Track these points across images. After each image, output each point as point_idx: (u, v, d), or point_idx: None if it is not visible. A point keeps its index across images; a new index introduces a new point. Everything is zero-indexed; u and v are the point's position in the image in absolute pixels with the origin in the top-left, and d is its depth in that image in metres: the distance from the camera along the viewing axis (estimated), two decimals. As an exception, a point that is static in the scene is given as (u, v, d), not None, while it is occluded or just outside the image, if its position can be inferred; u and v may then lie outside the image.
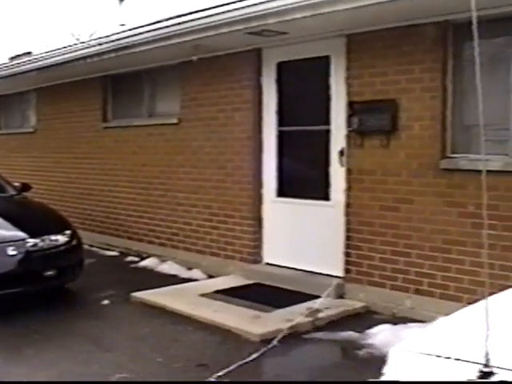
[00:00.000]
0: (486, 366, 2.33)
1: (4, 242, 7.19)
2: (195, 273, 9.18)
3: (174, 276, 9.15)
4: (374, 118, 7.10)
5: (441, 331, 2.87)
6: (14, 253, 7.16)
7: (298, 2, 6.52)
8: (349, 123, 7.39)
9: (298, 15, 6.65)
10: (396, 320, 6.73)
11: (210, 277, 8.98)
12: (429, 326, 3.14)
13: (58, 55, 10.68)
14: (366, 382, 5.12)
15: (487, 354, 2.34)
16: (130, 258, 10.46)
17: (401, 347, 2.61)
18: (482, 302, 2.61)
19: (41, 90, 13.47)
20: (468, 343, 2.53)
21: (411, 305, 6.92)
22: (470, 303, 5.35)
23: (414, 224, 6.89)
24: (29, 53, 13.59)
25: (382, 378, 2.65)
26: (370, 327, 6.43)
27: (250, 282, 8.33)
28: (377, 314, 7.11)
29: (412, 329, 6.20)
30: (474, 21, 2.54)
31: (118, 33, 9.37)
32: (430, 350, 2.50)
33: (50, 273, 7.43)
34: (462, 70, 6.63)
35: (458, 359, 2.38)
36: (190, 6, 8.03)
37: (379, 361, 5.69)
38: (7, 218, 7.79)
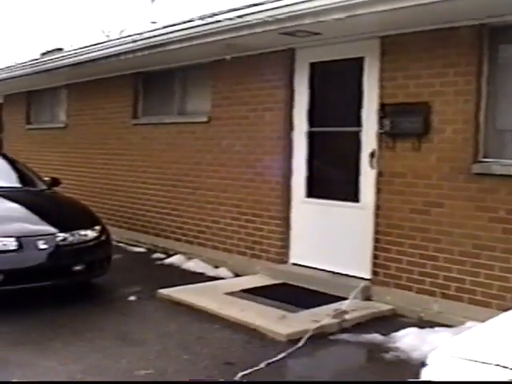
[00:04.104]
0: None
1: (34, 236, 7.24)
2: (221, 271, 9.19)
3: (201, 274, 9.17)
4: (406, 121, 7.06)
5: (478, 337, 2.85)
6: (44, 247, 7.21)
7: (333, 3, 6.51)
8: (380, 125, 7.36)
9: (334, 16, 6.63)
10: (423, 324, 6.68)
11: (237, 275, 8.99)
12: (466, 331, 3.12)
13: (92, 52, 10.75)
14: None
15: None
16: (156, 255, 10.49)
17: (440, 351, 2.59)
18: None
19: (72, 86, 13.57)
20: (506, 349, 2.51)
21: (438, 309, 6.87)
22: (499, 309, 5.31)
23: (444, 228, 6.84)
24: (60, 49, 13.73)
25: None
26: (396, 330, 6.40)
27: (277, 281, 8.32)
28: (403, 317, 7.08)
29: (439, 333, 6.19)
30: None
31: (151, 30, 9.41)
32: (469, 355, 2.49)
33: (78, 267, 7.48)
34: (497, 73, 6.58)
35: (497, 365, 2.36)
36: (218, 5, 8.05)
37: (406, 364, 5.72)
38: (38, 213, 7.86)
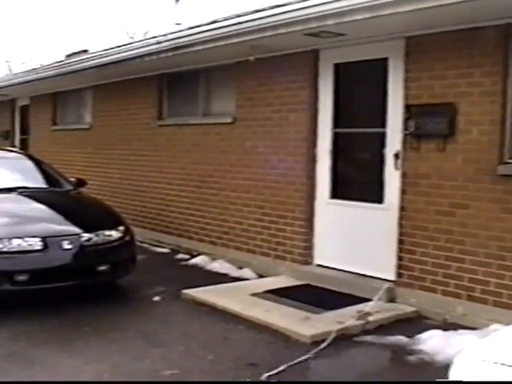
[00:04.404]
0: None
1: (59, 236, 7.30)
2: (245, 272, 9.19)
3: (224, 275, 9.19)
4: (431, 122, 7.02)
5: (505, 339, 2.82)
6: (68, 247, 7.26)
7: (358, 4, 6.49)
8: (405, 126, 7.32)
9: (358, 17, 6.61)
10: (447, 326, 6.64)
11: (260, 276, 8.99)
12: (492, 333, 3.09)
13: (116, 53, 10.81)
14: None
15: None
16: (180, 256, 10.52)
17: (466, 354, 2.58)
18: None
19: (96, 88, 13.65)
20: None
21: (463, 311, 6.82)
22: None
23: (469, 230, 6.79)
24: (85, 51, 13.85)
25: None
26: (420, 332, 6.36)
27: (301, 282, 8.31)
28: (428, 319, 7.04)
29: (463, 336, 6.12)
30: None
31: (175, 32, 9.44)
32: (496, 358, 2.47)
33: (103, 268, 7.52)
34: (524, 74, 6.53)
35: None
36: (243, 7, 8.05)
37: (430, 367, 5.68)
38: (63, 213, 7.92)
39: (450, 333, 6.32)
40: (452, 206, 6.94)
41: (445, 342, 6.00)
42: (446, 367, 5.04)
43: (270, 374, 5.35)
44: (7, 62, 22.63)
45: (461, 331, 6.37)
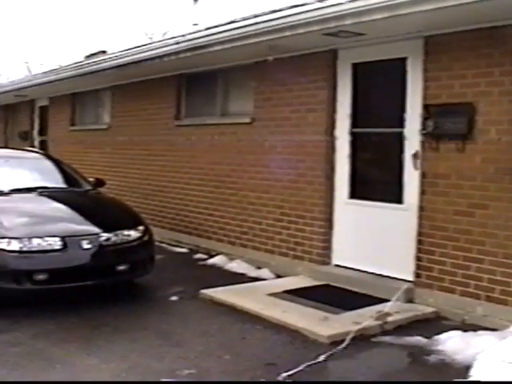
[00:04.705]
0: None
1: (79, 236, 7.34)
2: (263, 272, 9.19)
3: (243, 274, 9.19)
4: (450, 122, 6.99)
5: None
6: (88, 246, 7.29)
7: (376, 3, 6.47)
8: (424, 126, 7.29)
9: (376, 16, 6.59)
10: (466, 327, 6.60)
11: (278, 276, 8.98)
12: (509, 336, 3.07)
13: (135, 54, 10.85)
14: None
15: None
16: (198, 256, 10.54)
17: (487, 355, 2.57)
18: None
19: (115, 88, 13.71)
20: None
21: (483, 312, 6.78)
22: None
23: (489, 230, 6.75)
24: (104, 51, 13.90)
25: None
26: (439, 333, 6.33)
27: (319, 283, 8.30)
28: (446, 319, 7.00)
29: (483, 337, 6.09)
30: None
31: (193, 32, 9.47)
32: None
33: (122, 267, 7.56)
34: (544, 73, 6.48)
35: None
36: (260, 7, 8.05)
37: (449, 368, 5.65)
38: (82, 213, 7.96)
39: (470, 334, 6.28)
40: (471, 206, 6.90)
41: (464, 343, 5.97)
42: (466, 368, 5.03)
43: (288, 373, 5.35)
44: (26, 63, 22.75)
45: (480, 332, 6.33)
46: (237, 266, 9.56)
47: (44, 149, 16.15)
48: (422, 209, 7.39)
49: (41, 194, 8.32)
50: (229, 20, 8.58)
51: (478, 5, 5.93)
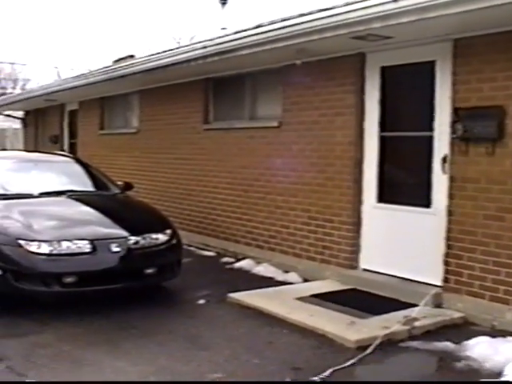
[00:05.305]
0: None
1: (108, 239, 7.39)
2: (291, 276, 9.17)
3: (270, 278, 9.18)
4: (479, 125, 6.92)
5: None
6: (116, 250, 7.34)
7: (404, 6, 6.43)
8: (453, 130, 7.24)
9: (405, 19, 6.54)
10: (495, 333, 6.53)
11: (306, 281, 8.96)
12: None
13: (163, 58, 10.89)
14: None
15: None
16: (226, 259, 10.55)
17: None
18: None
19: (143, 92, 13.79)
20: None
21: (512, 318, 6.72)
22: None
23: (519, 235, 6.69)
24: (132, 56, 13.99)
25: None
26: (467, 339, 6.27)
27: (347, 287, 8.27)
28: (475, 325, 6.93)
29: (512, 343, 6.04)
30: None
31: (221, 36, 9.48)
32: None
33: (150, 270, 7.60)
34: None
35: None
36: (288, 10, 8.04)
37: (478, 374, 5.60)
38: (110, 216, 8.02)
39: (499, 340, 6.22)
40: (501, 211, 6.82)
41: (493, 349, 5.91)
42: (495, 374, 4.98)
43: (315, 378, 5.34)
44: (56, 67, 23.00)
45: (510, 338, 6.27)
46: (264, 270, 9.55)
47: (74, 152, 16.30)
48: (450, 213, 7.33)
49: (70, 198, 8.39)
50: (256, 24, 8.58)
51: (508, 7, 5.85)
